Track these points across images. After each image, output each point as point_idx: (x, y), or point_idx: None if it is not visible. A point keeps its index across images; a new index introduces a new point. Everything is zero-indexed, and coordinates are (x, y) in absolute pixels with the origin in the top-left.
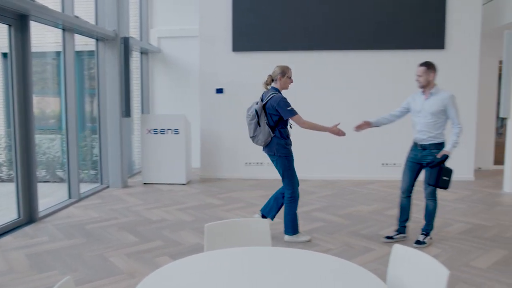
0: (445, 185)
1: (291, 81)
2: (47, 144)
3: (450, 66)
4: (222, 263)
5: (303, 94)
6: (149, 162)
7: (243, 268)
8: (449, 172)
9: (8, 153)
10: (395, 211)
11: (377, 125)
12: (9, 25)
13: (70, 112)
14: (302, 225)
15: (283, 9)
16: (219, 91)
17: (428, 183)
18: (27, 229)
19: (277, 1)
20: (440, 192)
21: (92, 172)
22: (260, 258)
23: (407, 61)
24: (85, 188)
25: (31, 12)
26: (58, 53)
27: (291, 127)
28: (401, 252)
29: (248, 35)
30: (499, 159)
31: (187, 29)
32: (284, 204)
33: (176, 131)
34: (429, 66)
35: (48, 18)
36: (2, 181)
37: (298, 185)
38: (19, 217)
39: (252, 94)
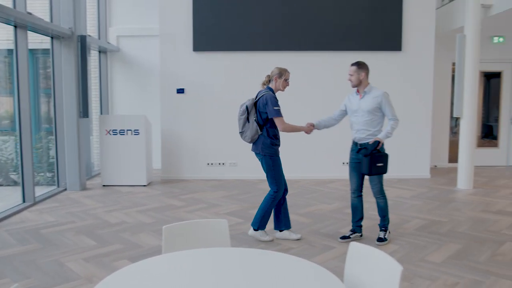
0: (379, 171)
1: (287, 84)
2: None
3: (406, 68)
4: (180, 265)
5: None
6: (108, 163)
7: (201, 270)
8: (382, 157)
9: None
10: None
11: (318, 128)
12: None
13: (24, 113)
14: None
15: (244, 9)
16: (180, 91)
17: (362, 172)
18: None
19: (237, 1)
20: (397, 190)
21: (49, 174)
22: (219, 259)
23: (366, 62)
24: (41, 191)
25: None
26: (10, 50)
27: None
28: (357, 250)
29: (209, 35)
30: (453, 157)
31: (147, 28)
32: (264, 198)
33: (136, 132)
34: (360, 65)
35: None
36: None
37: (284, 186)
38: None
39: (213, 94)
